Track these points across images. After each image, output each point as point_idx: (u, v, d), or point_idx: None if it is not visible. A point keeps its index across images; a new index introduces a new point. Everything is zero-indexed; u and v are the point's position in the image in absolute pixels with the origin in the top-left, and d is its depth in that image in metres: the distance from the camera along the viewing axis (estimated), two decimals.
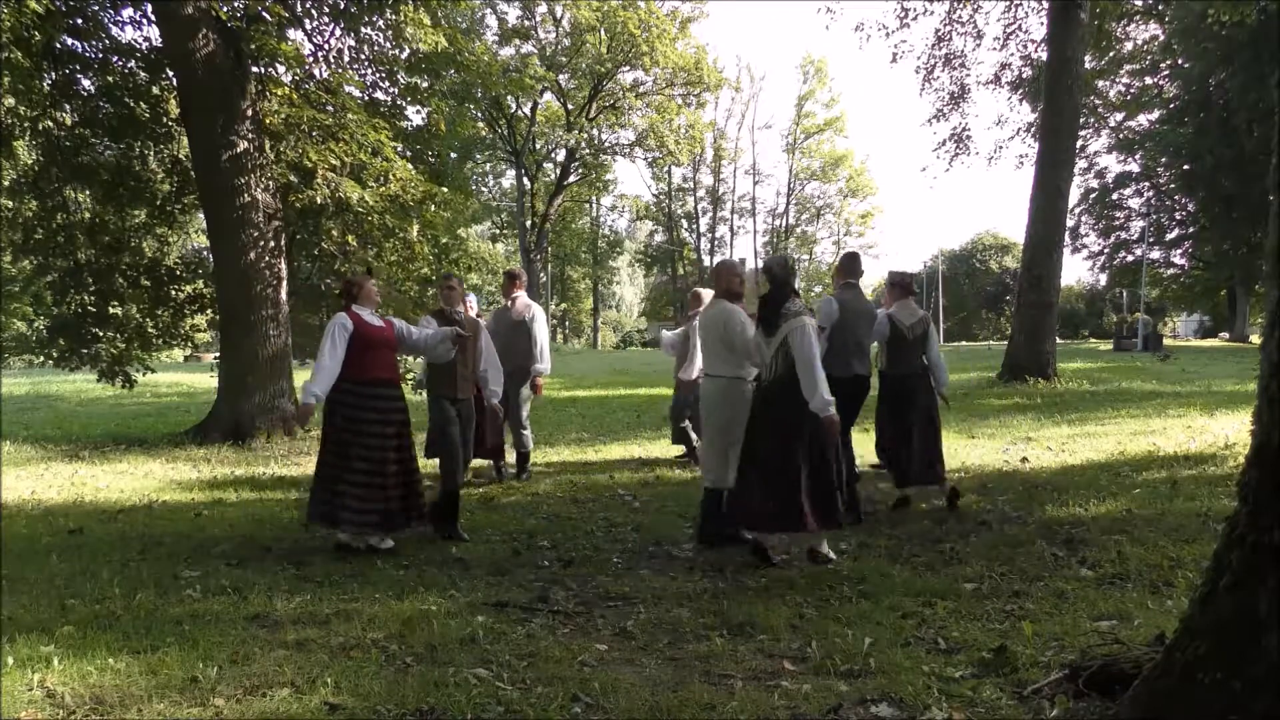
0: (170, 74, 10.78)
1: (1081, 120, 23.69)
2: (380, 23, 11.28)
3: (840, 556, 4.88)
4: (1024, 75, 21.44)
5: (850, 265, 6.36)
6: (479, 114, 36.38)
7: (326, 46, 11.50)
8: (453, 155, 19.66)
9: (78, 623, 3.79)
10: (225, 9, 9.55)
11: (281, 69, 10.98)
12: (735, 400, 5.11)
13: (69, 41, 10.50)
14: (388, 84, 12.60)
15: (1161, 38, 29.58)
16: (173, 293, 12.15)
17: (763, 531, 4.82)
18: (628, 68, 42.21)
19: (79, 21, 10.46)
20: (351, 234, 11.21)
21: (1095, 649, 3.04)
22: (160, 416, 13.93)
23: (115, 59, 10.99)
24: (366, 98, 12.14)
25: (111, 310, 11.64)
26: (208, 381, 12.06)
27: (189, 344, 13.91)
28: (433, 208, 11.79)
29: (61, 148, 10.83)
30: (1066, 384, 14.27)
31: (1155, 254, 38.41)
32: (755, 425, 4.83)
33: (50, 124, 10.72)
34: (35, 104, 10.23)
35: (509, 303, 7.66)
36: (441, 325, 5.81)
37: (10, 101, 9.83)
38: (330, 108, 11.08)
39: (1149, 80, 33.21)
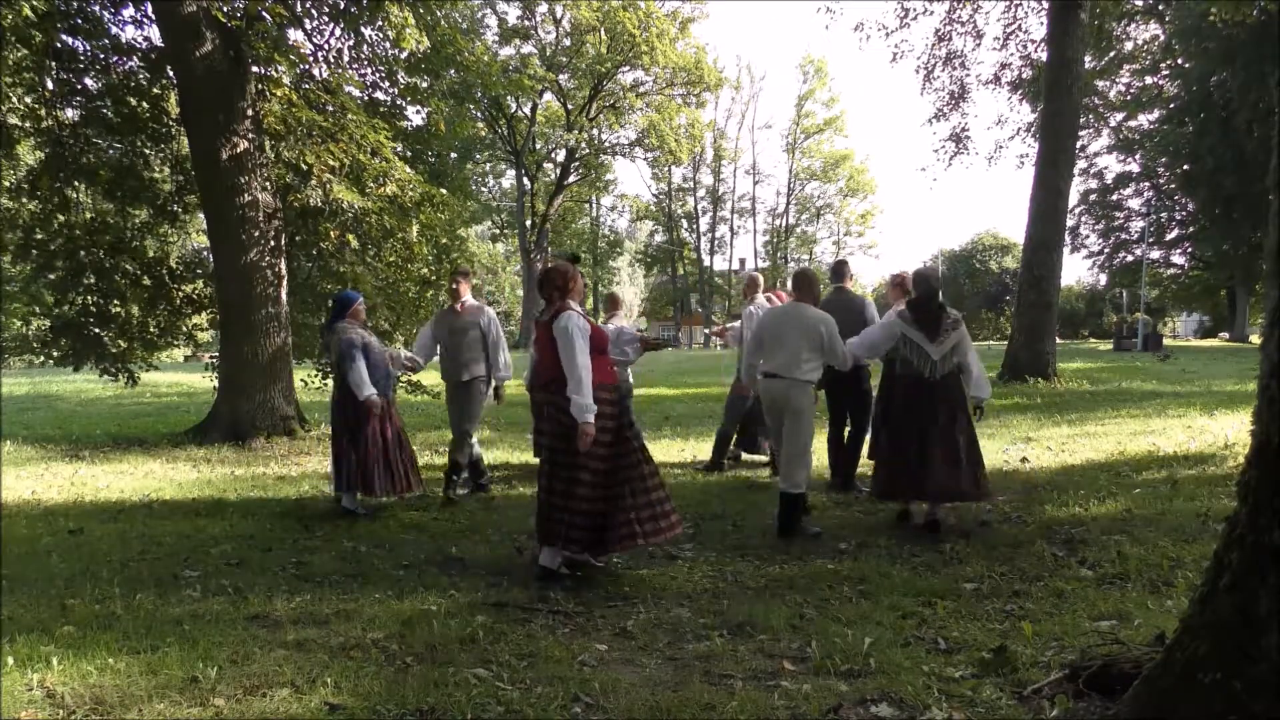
0: (170, 73, 10.79)
1: (1081, 120, 23.73)
2: (379, 22, 11.28)
3: (840, 556, 4.89)
4: (1024, 75, 21.47)
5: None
6: (479, 114, 36.41)
7: (326, 46, 11.51)
8: (453, 155, 19.66)
9: (78, 623, 3.79)
10: (225, 9, 9.55)
11: (282, 69, 10.98)
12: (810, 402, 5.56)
13: (70, 41, 10.51)
14: (388, 84, 12.61)
15: (1161, 38, 29.61)
16: (173, 292, 12.16)
17: (948, 503, 5.44)
18: (628, 68, 42.23)
19: (79, 21, 10.47)
20: (350, 234, 11.20)
21: (1095, 649, 3.04)
22: (160, 416, 13.93)
23: (116, 59, 11.00)
24: (366, 98, 12.14)
25: (114, 309, 11.65)
26: (208, 381, 12.06)
27: (190, 343, 13.93)
28: (430, 209, 11.78)
29: (64, 146, 10.84)
30: (1066, 384, 14.28)
31: (1155, 254, 38.50)
32: (935, 414, 5.33)
33: (52, 123, 10.73)
34: (38, 102, 10.25)
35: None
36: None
37: (13, 102, 9.84)
38: (329, 108, 11.08)
39: (1149, 80, 33.24)
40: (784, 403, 5.41)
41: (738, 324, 7.94)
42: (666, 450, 9.13)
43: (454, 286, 6.86)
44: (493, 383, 6.89)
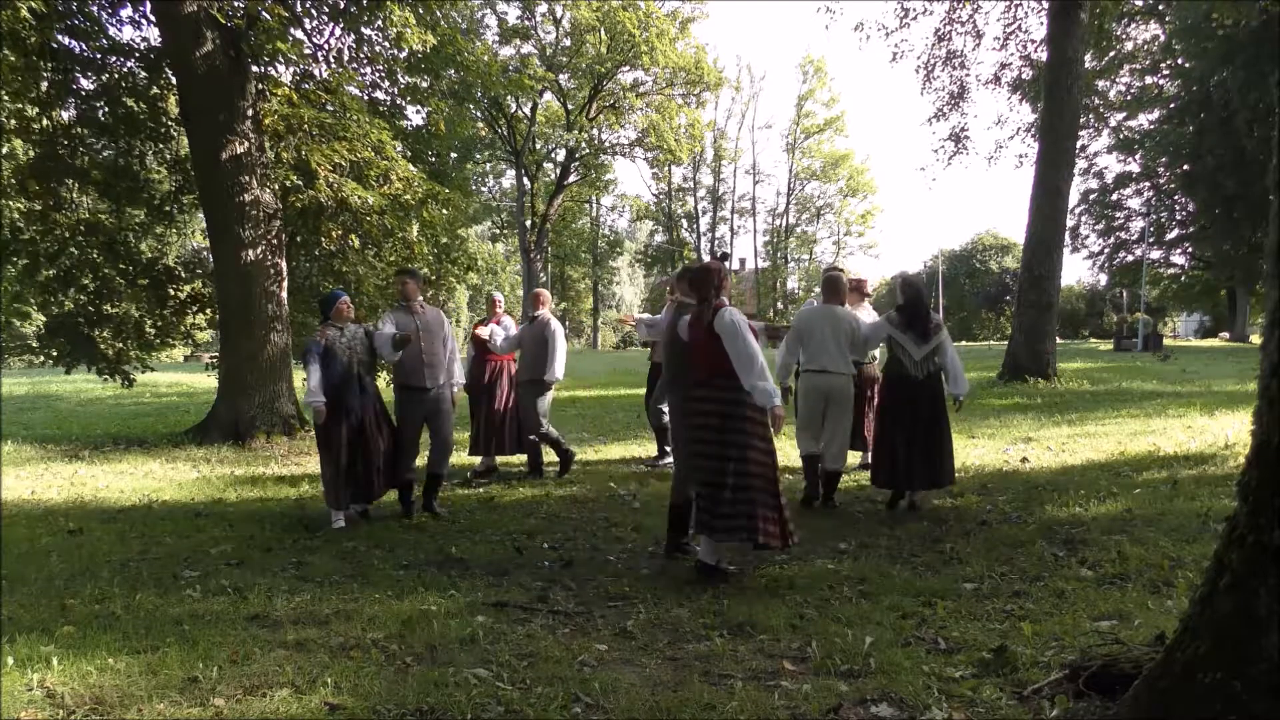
0: (170, 74, 10.79)
1: (1081, 120, 23.70)
2: (379, 22, 11.28)
3: (840, 556, 4.89)
4: (1024, 75, 21.47)
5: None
6: (479, 114, 36.37)
7: (327, 46, 11.51)
8: (453, 155, 19.67)
9: (78, 623, 3.80)
10: (225, 9, 9.55)
11: (282, 69, 10.99)
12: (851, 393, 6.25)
13: (66, 41, 10.49)
14: (388, 84, 12.61)
15: (1161, 38, 29.57)
16: (171, 292, 12.16)
17: (921, 490, 5.91)
18: (628, 68, 42.23)
19: (77, 21, 10.45)
20: (352, 234, 11.20)
21: (1095, 649, 3.04)
22: (160, 416, 13.93)
23: (114, 59, 10.99)
24: (366, 98, 12.15)
25: (109, 309, 11.64)
26: (208, 381, 12.07)
27: (189, 343, 13.92)
28: (434, 207, 11.78)
29: (57, 147, 10.81)
30: (1066, 384, 14.27)
31: (1155, 254, 38.43)
32: (918, 409, 5.82)
33: (47, 123, 10.71)
34: (32, 102, 10.23)
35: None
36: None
37: (6, 101, 9.82)
38: (330, 107, 11.08)
39: (1149, 80, 33.20)
40: (834, 393, 6.05)
41: (651, 316, 8.21)
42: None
43: (406, 285, 6.38)
44: (454, 389, 6.54)
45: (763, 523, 4.29)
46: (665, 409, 7.76)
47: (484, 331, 7.88)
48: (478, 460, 8.21)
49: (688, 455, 4.70)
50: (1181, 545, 4.64)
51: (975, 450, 8.42)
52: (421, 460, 6.52)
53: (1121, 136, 35.14)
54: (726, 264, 4.80)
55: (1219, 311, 43.56)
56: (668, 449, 8.15)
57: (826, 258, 57.68)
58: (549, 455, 8.15)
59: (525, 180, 45.19)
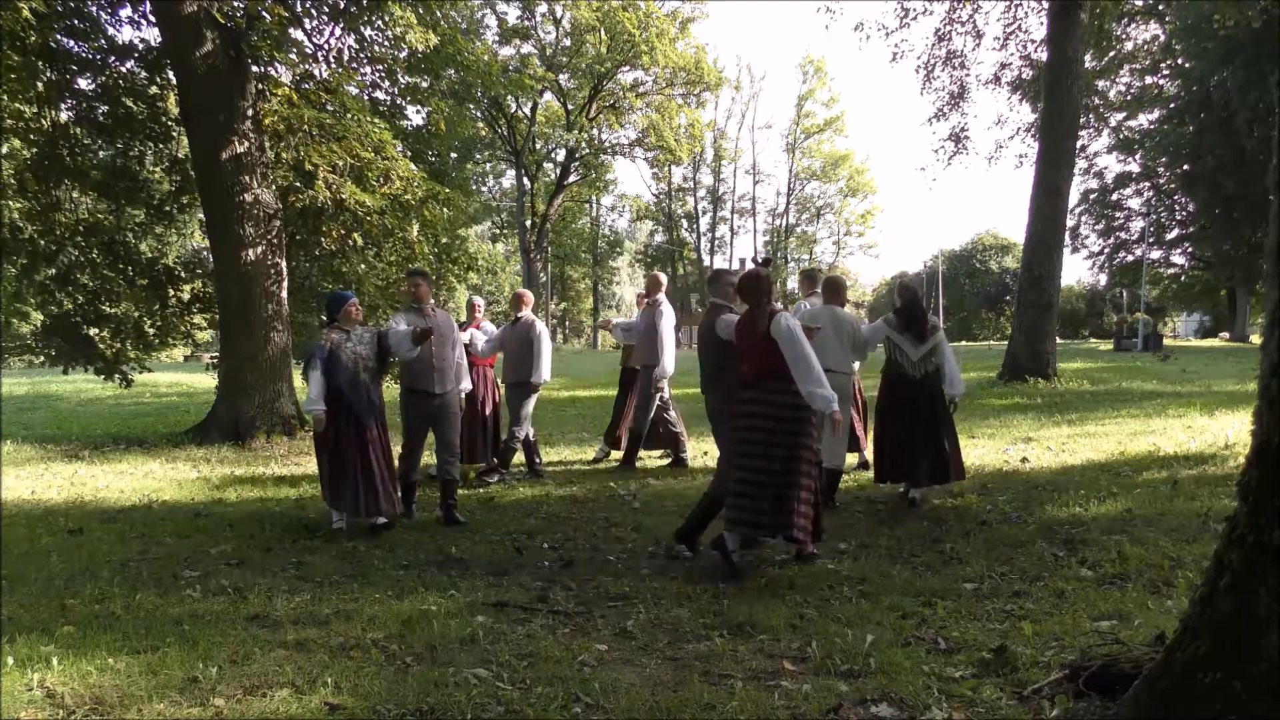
0: (170, 74, 10.79)
1: (1081, 120, 23.68)
2: (379, 22, 11.29)
3: (840, 556, 4.89)
4: (1024, 75, 21.46)
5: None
6: (479, 114, 36.38)
7: (327, 46, 11.51)
8: (453, 155, 19.69)
9: (78, 623, 3.80)
10: (225, 9, 9.56)
11: (282, 69, 10.98)
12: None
13: (65, 42, 10.47)
14: (388, 84, 12.61)
15: (1161, 38, 29.55)
16: (171, 292, 12.15)
17: (926, 484, 6.08)
18: (628, 67, 42.24)
19: (76, 22, 10.45)
20: (352, 234, 11.19)
21: (1095, 649, 3.04)
22: (160, 416, 13.93)
23: (113, 59, 10.98)
24: (367, 98, 12.15)
25: (108, 309, 11.63)
26: (208, 381, 12.05)
27: (189, 342, 13.91)
28: (434, 207, 11.77)
29: (55, 147, 10.80)
30: (1066, 384, 14.27)
31: (1155, 254, 38.40)
32: (918, 409, 6.00)
33: (44, 123, 10.71)
34: (29, 102, 10.22)
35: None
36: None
37: (6, 101, 9.81)
38: (330, 107, 11.08)
39: (1149, 80, 33.19)
40: (838, 393, 5.99)
41: (626, 320, 8.32)
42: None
43: (419, 287, 6.20)
44: (461, 394, 6.57)
45: (800, 519, 4.43)
46: (649, 417, 7.86)
47: (464, 337, 7.79)
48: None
49: (732, 455, 4.72)
50: (1181, 545, 4.65)
51: (975, 450, 8.42)
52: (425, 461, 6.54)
53: (1121, 136, 35.12)
54: (769, 269, 4.87)
55: (1219, 311, 43.55)
56: (637, 456, 8.21)
57: (826, 258, 57.71)
58: (517, 456, 8.10)
59: (525, 180, 45.20)
